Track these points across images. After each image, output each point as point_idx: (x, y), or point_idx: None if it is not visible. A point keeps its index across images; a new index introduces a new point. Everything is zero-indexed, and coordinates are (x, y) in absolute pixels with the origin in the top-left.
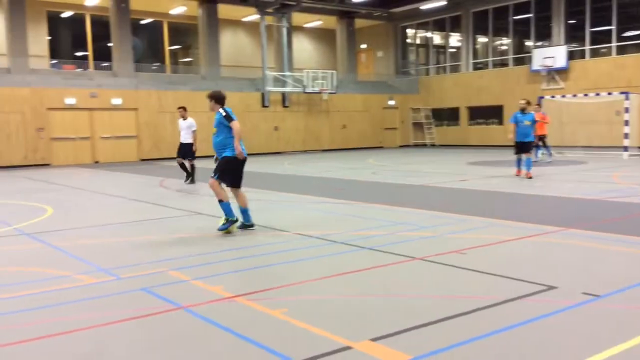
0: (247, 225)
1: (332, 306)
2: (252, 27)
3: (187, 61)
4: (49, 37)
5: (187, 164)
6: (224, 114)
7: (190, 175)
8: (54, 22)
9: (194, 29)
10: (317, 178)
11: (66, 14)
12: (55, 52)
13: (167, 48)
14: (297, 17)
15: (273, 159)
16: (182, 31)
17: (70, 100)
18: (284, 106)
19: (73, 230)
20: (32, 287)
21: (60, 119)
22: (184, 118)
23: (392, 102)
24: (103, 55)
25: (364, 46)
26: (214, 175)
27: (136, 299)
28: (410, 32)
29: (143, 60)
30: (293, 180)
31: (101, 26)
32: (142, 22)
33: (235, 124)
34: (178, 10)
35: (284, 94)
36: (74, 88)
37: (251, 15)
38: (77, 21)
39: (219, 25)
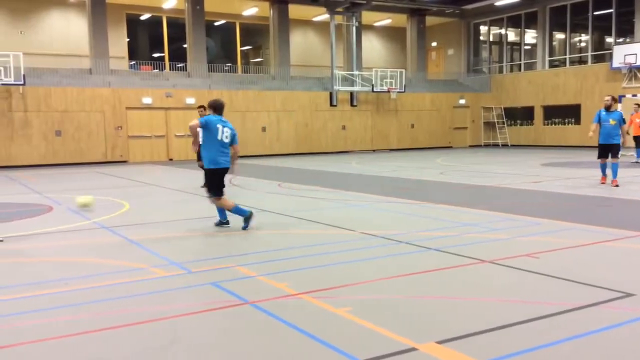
0: (222, 223)
1: (396, 307)
2: (321, 27)
3: (257, 61)
4: (128, 39)
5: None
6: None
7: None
8: (133, 25)
9: (265, 30)
10: (384, 177)
11: (144, 16)
12: (133, 53)
13: (239, 48)
14: (367, 16)
15: (340, 158)
16: (254, 32)
17: (147, 100)
18: (352, 105)
19: (148, 225)
20: (111, 278)
21: (138, 117)
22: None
23: (462, 101)
24: (178, 56)
25: (434, 44)
26: (212, 193)
27: (205, 293)
28: (483, 29)
29: (216, 60)
30: (360, 179)
31: (177, 28)
32: (216, 23)
33: (192, 126)
34: (250, 11)
35: (352, 93)
36: (150, 88)
37: (321, 15)
38: (154, 23)
39: (290, 25)
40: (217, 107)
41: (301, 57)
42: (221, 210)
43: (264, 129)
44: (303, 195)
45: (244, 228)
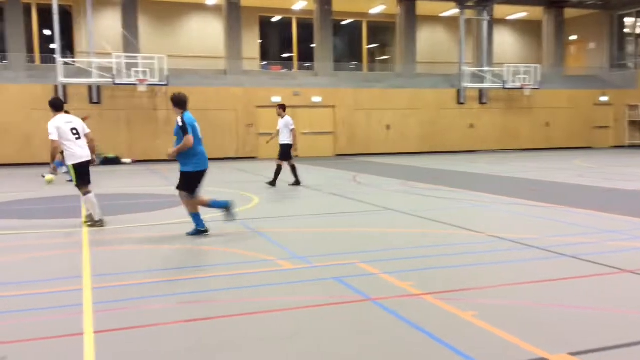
0: (201, 231)
1: (525, 313)
2: (449, 22)
3: (383, 59)
4: (260, 41)
5: (283, 165)
6: (180, 124)
7: (297, 177)
8: (265, 27)
9: (392, 27)
10: (514, 178)
11: (276, 18)
12: (265, 54)
13: (365, 47)
14: (499, 10)
15: (467, 157)
16: (380, 30)
17: (276, 99)
18: (481, 103)
19: (275, 219)
20: (239, 268)
21: (267, 116)
22: (281, 117)
23: (604, 98)
24: (306, 56)
25: (573, 38)
26: (188, 193)
27: (328, 287)
28: (628, 21)
29: (342, 59)
30: (488, 179)
31: (305, 28)
32: (343, 22)
33: (188, 139)
34: (377, 9)
35: (481, 90)
36: (279, 87)
37: (450, 10)
38: (285, 25)
39: (417, 22)
40: (184, 103)
41: (428, 53)
42: (195, 216)
43: (388, 127)
44: (428, 195)
45: (228, 218)
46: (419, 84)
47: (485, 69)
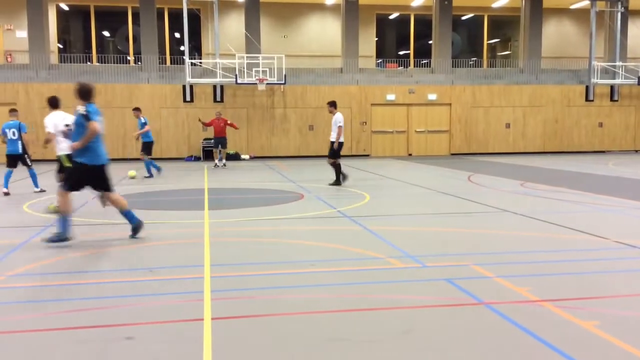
0: (135, 228)
1: None
2: (579, 15)
3: (504, 54)
4: (377, 38)
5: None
6: (83, 113)
7: (338, 177)
8: (382, 24)
9: (515, 21)
10: None
11: (393, 15)
12: (380, 51)
13: (486, 42)
14: (635, 0)
15: (595, 158)
16: (502, 24)
17: (390, 97)
18: (612, 100)
19: (386, 217)
20: (350, 264)
21: (381, 113)
22: (332, 114)
23: None
24: (423, 52)
25: None
26: (64, 186)
27: (440, 288)
28: None
29: (461, 55)
30: (617, 182)
31: (423, 25)
32: (463, 17)
33: (93, 125)
34: (500, 2)
35: (612, 87)
36: (394, 85)
37: (580, 2)
38: (402, 22)
39: (542, 15)
40: (89, 93)
41: (553, 48)
42: (127, 214)
43: (507, 126)
44: (548, 197)
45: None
46: (543, 80)
47: (618, 63)
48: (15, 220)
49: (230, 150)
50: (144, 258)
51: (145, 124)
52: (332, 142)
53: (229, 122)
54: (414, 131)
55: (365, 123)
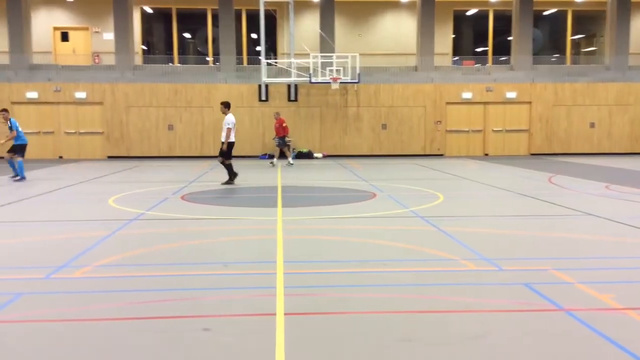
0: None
1: None
2: None
3: (589, 51)
4: (453, 35)
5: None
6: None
7: (230, 177)
8: (459, 21)
9: (601, 16)
10: None
11: (470, 12)
12: (457, 49)
13: (569, 38)
14: None
15: None
16: (587, 19)
17: (466, 95)
18: None
19: (460, 218)
20: (423, 265)
21: (456, 112)
22: (225, 114)
23: None
24: (502, 49)
25: None
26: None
27: (516, 293)
28: None
29: (542, 52)
30: None
31: (502, 21)
32: (545, 12)
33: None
34: None
35: None
36: (471, 83)
37: None
38: (480, 18)
39: (631, 9)
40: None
41: None
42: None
43: (592, 125)
44: (636, 200)
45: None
46: (631, 77)
47: None
48: (101, 214)
49: (304, 148)
50: (219, 253)
51: (12, 127)
52: (222, 143)
53: (283, 124)
54: (490, 130)
55: (440, 122)
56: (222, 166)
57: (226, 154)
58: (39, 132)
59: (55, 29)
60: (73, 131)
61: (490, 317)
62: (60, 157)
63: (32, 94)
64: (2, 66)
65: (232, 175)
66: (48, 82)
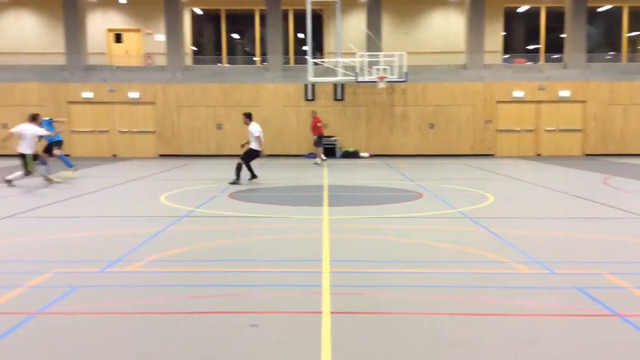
0: None
1: None
2: None
3: None
4: (504, 33)
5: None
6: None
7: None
8: (510, 18)
9: None
10: None
11: (522, 8)
12: (508, 46)
13: (625, 35)
14: None
15: None
16: None
17: (517, 93)
18: None
19: (511, 219)
20: (472, 266)
21: (507, 111)
22: (248, 124)
23: None
24: (554, 47)
25: None
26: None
27: (569, 297)
28: None
29: (596, 50)
30: None
31: (555, 18)
32: (599, 9)
33: None
34: None
35: None
36: (522, 81)
37: None
38: (531, 15)
39: None
40: None
41: None
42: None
43: None
44: None
45: None
46: None
47: None
48: (153, 211)
49: (350, 147)
50: (266, 250)
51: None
52: (252, 149)
53: (318, 123)
54: (543, 130)
55: (490, 121)
56: (243, 167)
57: (248, 158)
58: (94, 131)
59: (109, 30)
60: (126, 130)
61: (542, 321)
62: (114, 155)
63: (88, 94)
64: (59, 67)
65: (239, 176)
66: (103, 82)
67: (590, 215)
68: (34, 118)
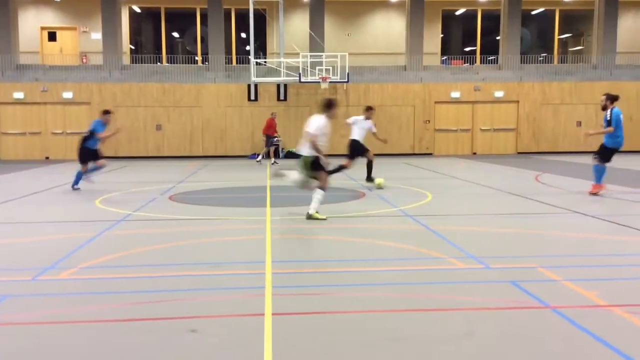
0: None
1: None
2: None
3: (576, 50)
4: (442, 35)
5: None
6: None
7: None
8: (447, 20)
9: (589, 15)
10: None
11: (459, 11)
12: (446, 48)
13: (557, 37)
14: None
15: None
16: (575, 18)
17: (455, 94)
18: None
19: (448, 216)
20: (409, 263)
21: (445, 111)
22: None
23: None
24: (490, 49)
25: None
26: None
27: (504, 290)
28: None
29: (529, 51)
30: None
31: (490, 20)
32: (533, 12)
33: None
34: None
35: None
36: (459, 82)
37: None
38: (468, 17)
39: (618, 8)
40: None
41: (629, 43)
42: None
43: (579, 124)
44: (624, 199)
45: None
46: (618, 76)
47: None
48: (88, 215)
49: (294, 147)
50: (207, 253)
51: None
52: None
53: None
54: (479, 129)
55: (429, 121)
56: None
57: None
58: (25, 133)
59: (43, 28)
60: (60, 131)
61: (477, 315)
62: (47, 157)
63: (19, 94)
64: None
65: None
66: (35, 82)
67: (523, 210)
68: None
